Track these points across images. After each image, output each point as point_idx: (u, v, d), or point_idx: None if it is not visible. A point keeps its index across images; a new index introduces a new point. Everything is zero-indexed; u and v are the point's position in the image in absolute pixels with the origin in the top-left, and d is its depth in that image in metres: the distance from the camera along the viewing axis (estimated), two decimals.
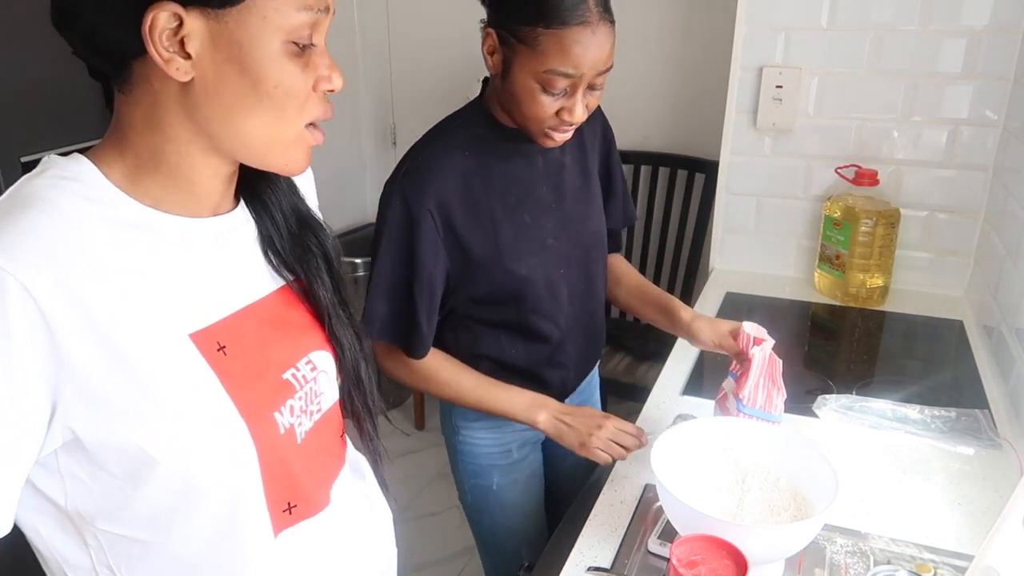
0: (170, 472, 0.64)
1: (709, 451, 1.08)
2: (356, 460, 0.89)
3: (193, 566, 0.70)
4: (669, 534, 1.03)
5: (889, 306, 1.82)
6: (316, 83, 0.67)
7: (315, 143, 0.71)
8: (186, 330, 0.66)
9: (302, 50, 0.65)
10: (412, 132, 3.45)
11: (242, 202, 0.77)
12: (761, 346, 1.15)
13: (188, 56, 0.62)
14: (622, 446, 1.18)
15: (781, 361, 1.17)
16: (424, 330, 1.19)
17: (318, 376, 0.77)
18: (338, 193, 3.02)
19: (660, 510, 1.08)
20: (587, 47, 1.01)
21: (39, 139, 1.60)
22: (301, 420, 0.74)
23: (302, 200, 0.83)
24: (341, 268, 0.84)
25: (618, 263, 1.48)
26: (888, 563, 0.98)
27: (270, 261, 0.77)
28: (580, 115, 1.07)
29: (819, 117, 1.83)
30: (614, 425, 1.18)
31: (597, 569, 1.02)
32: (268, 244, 0.77)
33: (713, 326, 1.27)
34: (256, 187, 0.77)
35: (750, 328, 1.19)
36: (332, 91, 0.69)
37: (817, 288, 1.90)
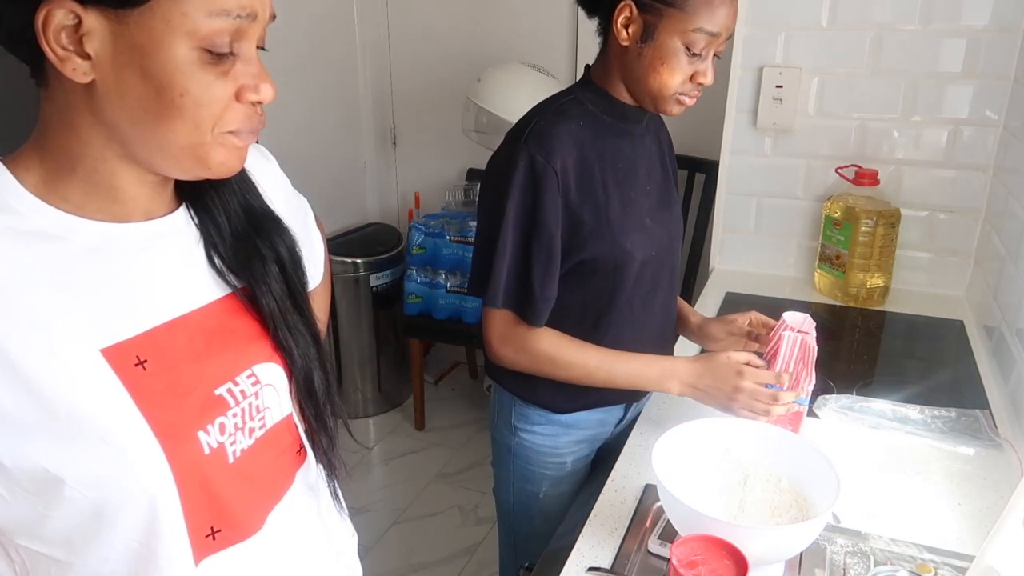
0: (77, 494, 0.61)
1: (711, 452, 1.08)
2: (313, 476, 0.82)
3: None
4: (669, 534, 1.03)
5: (889, 306, 1.82)
6: (239, 93, 0.63)
7: (245, 144, 0.66)
8: (97, 345, 0.62)
9: (218, 58, 0.61)
10: (412, 132, 3.50)
11: (184, 204, 0.73)
12: (795, 331, 1.18)
13: (87, 56, 0.58)
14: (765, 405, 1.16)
15: (816, 348, 1.19)
16: (537, 293, 1.17)
17: (262, 391, 0.72)
18: (338, 193, 3.02)
19: (660, 510, 1.08)
20: (729, 8, 1.12)
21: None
22: (235, 438, 0.69)
23: (258, 198, 0.78)
24: (300, 273, 0.79)
25: None
26: (888, 563, 0.98)
27: (214, 266, 0.72)
28: (711, 78, 1.15)
29: (819, 117, 1.83)
30: (752, 382, 1.16)
31: (597, 569, 1.02)
32: (211, 248, 0.73)
33: (723, 323, 1.33)
34: (198, 187, 0.72)
35: (790, 317, 1.22)
36: (260, 102, 0.65)
37: (817, 288, 1.90)
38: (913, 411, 1.34)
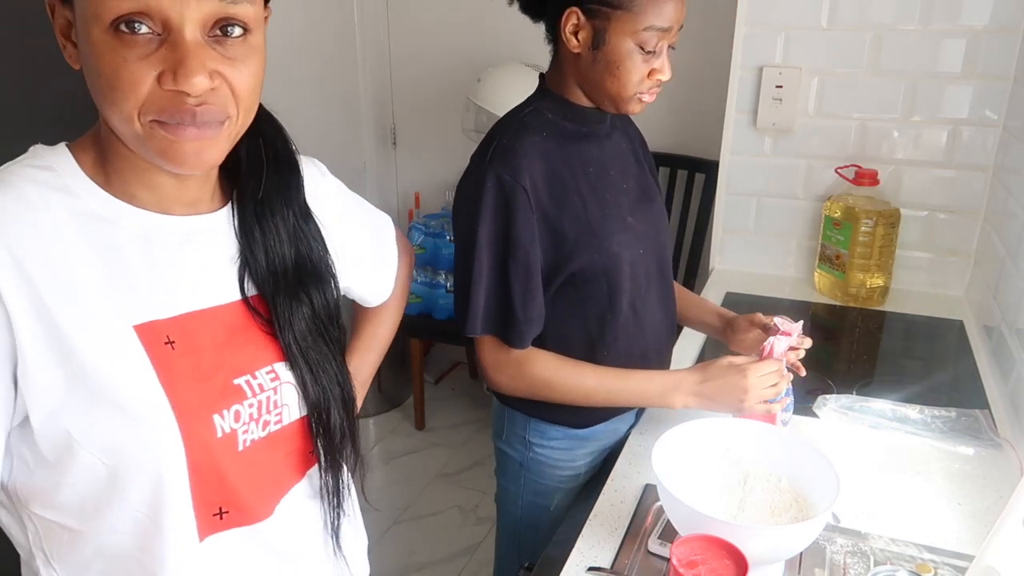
0: (94, 459, 0.64)
1: (711, 452, 1.08)
2: (320, 486, 0.84)
3: (117, 559, 0.69)
4: (669, 534, 1.03)
5: (889, 306, 1.82)
6: (160, 77, 0.60)
7: (175, 138, 0.62)
8: (131, 321, 0.66)
9: (131, 39, 0.59)
10: (412, 132, 3.49)
11: (229, 205, 0.75)
12: (777, 336, 1.19)
13: (76, 45, 0.63)
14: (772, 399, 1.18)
15: (794, 353, 1.21)
16: (520, 314, 1.15)
17: (281, 387, 0.75)
18: None
19: (660, 510, 1.08)
20: (676, 1, 1.10)
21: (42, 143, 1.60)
22: (248, 428, 0.71)
23: (316, 249, 0.79)
24: (332, 318, 0.80)
25: None
26: (888, 563, 0.98)
27: (241, 280, 0.75)
28: (669, 72, 1.15)
29: (819, 117, 1.83)
30: (756, 380, 1.16)
31: (597, 569, 1.02)
32: (245, 267, 0.75)
33: (745, 317, 1.32)
34: (252, 208, 0.75)
35: (779, 321, 1.22)
36: (181, 91, 0.60)
37: (817, 288, 1.90)
38: (913, 411, 1.35)
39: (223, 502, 0.71)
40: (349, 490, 0.87)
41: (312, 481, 0.82)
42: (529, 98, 1.24)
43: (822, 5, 1.75)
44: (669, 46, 1.14)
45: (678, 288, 1.46)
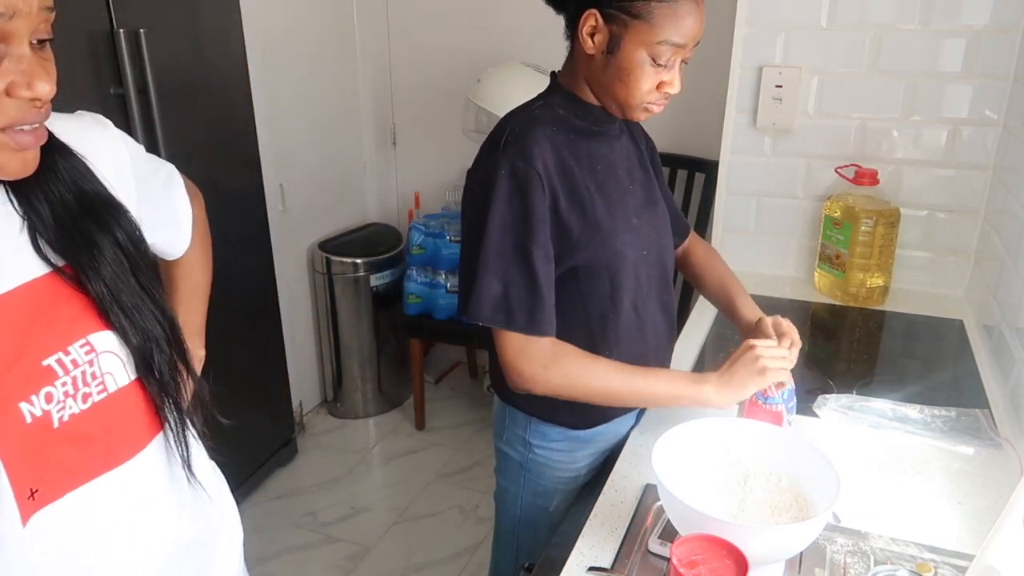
0: None
1: (711, 451, 1.08)
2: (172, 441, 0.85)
3: None
4: (669, 534, 1.03)
5: (889, 306, 1.82)
6: (10, 89, 0.64)
7: (18, 147, 0.67)
8: None
9: None
10: (412, 132, 3.50)
11: (2, 188, 0.75)
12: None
13: None
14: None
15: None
16: (548, 301, 1.13)
17: (99, 358, 0.75)
18: (338, 193, 3.02)
19: (660, 510, 1.08)
20: (695, 18, 1.10)
21: None
22: (64, 404, 0.72)
23: (91, 182, 0.79)
24: (140, 252, 0.80)
25: (703, 252, 1.50)
26: (888, 563, 0.98)
27: (38, 250, 0.74)
28: (679, 86, 1.15)
29: (819, 117, 1.84)
30: (764, 349, 1.17)
31: (597, 569, 1.02)
32: (35, 233, 0.75)
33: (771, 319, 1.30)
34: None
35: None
36: (35, 98, 0.65)
37: (817, 288, 1.90)
38: (913, 411, 1.35)
39: (33, 482, 0.70)
40: (196, 439, 0.86)
41: (164, 443, 0.82)
42: (540, 94, 1.24)
43: (822, 5, 1.75)
44: (682, 60, 1.14)
45: (718, 273, 1.46)
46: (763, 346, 1.18)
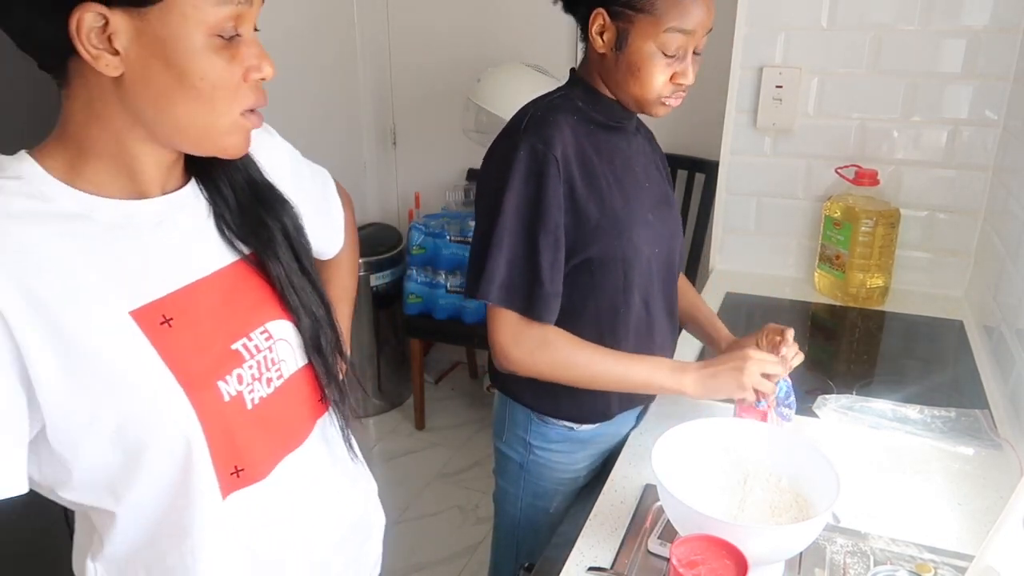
0: (118, 439, 0.69)
1: (711, 452, 1.08)
2: (331, 426, 0.91)
3: (155, 528, 0.74)
4: (669, 534, 1.03)
5: (889, 306, 1.82)
6: (246, 73, 0.70)
7: (253, 127, 0.74)
8: (126, 308, 0.69)
9: (228, 42, 0.68)
10: (412, 132, 3.50)
11: (193, 179, 0.79)
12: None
13: (116, 52, 0.65)
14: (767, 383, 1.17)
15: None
16: (547, 285, 1.13)
17: (275, 345, 0.80)
18: None
19: (660, 510, 1.08)
20: (700, 4, 1.10)
21: (34, 141, 1.60)
22: (253, 387, 0.77)
23: (259, 172, 0.85)
24: (304, 241, 0.86)
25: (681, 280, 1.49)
26: (888, 563, 0.98)
27: (224, 235, 0.80)
28: (692, 77, 1.14)
29: (819, 117, 1.83)
30: (756, 360, 1.16)
31: (597, 569, 1.02)
32: (220, 219, 0.80)
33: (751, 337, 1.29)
34: (205, 163, 0.80)
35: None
36: (263, 79, 0.72)
37: (817, 288, 1.90)
38: (913, 411, 1.35)
39: (237, 460, 0.75)
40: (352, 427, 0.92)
41: (324, 427, 0.87)
42: (559, 87, 1.25)
43: (822, 5, 1.75)
44: (694, 52, 1.13)
45: (691, 299, 1.46)
46: (757, 359, 1.16)
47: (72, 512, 0.79)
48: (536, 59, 2.56)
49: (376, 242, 2.94)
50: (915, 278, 1.87)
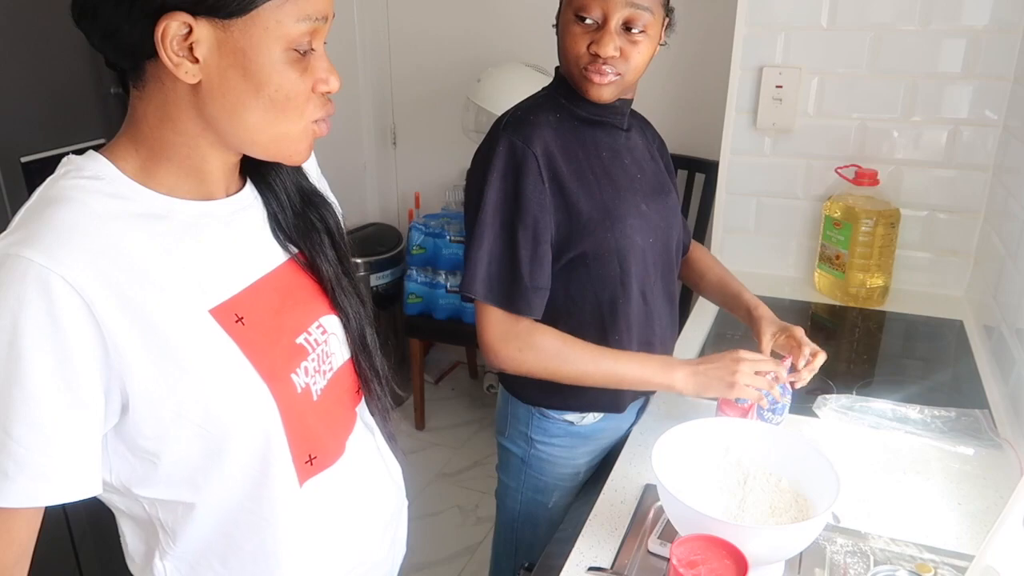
0: (203, 432, 0.71)
1: (710, 452, 1.08)
2: (367, 415, 0.95)
3: (231, 518, 0.77)
4: (669, 534, 1.03)
5: (889, 306, 1.82)
6: (314, 85, 0.73)
7: (320, 135, 0.77)
8: (206, 306, 0.72)
9: (302, 56, 0.71)
10: (412, 132, 3.49)
11: (248, 181, 0.83)
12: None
13: (196, 60, 0.67)
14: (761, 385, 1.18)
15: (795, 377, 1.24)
16: (527, 281, 1.14)
17: (328, 338, 0.84)
18: (338, 193, 3.00)
19: (660, 510, 1.08)
20: None
21: (39, 140, 1.60)
22: (315, 379, 0.81)
23: (306, 179, 0.89)
24: (345, 241, 0.90)
25: (704, 256, 1.52)
26: (888, 563, 0.98)
27: (277, 236, 0.84)
28: (609, 50, 1.11)
29: (819, 117, 1.84)
30: (749, 365, 1.16)
31: (597, 569, 1.02)
32: (274, 221, 0.84)
33: (775, 325, 1.29)
34: (261, 168, 0.83)
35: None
36: (330, 92, 0.75)
37: (817, 288, 1.90)
38: (913, 411, 1.35)
39: (311, 448, 0.79)
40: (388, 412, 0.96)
41: (362, 415, 0.92)
42: (545, 86, 1.26)
43: (822, 5, 1.75)
44: (626, 27, 1.12)
45: (718, 275, 1.46)
46: (749, 360, 1.17)
47: (72, 512, 0.80)
48: (536, 59, 2.56)
49: (376, 242, 2.94)
50: (915, 278, 1.87)
